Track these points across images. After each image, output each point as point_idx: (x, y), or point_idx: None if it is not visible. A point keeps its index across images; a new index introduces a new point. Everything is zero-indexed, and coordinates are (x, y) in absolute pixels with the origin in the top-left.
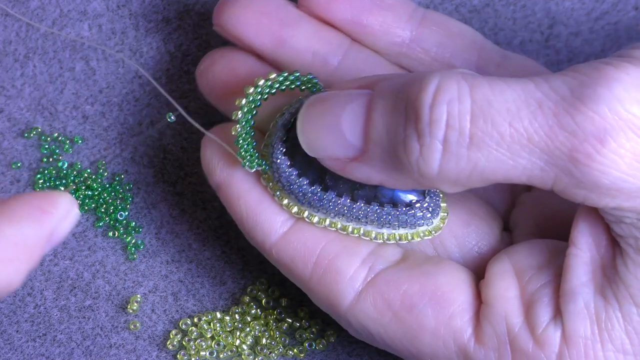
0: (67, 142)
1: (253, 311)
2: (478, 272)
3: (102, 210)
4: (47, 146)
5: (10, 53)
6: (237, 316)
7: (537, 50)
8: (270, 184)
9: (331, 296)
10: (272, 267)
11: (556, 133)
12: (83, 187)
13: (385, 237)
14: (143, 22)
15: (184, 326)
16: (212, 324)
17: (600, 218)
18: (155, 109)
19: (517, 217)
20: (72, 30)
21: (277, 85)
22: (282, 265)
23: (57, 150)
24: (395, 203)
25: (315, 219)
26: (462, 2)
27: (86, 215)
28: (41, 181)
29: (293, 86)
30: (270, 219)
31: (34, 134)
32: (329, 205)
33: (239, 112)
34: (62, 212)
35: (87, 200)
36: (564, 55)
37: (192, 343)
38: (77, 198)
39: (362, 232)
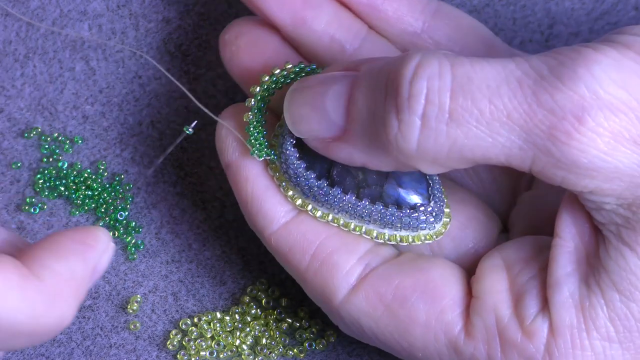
0: (67, 142)
1: (253, 311)
2: (471, 271)
3: (102, 210)
4: (47, 146)
5: (10, 53)
6: (237, 316)
7: (537, 51)
8: (277, 174)
9: (325, 289)
10: (272, 267)
11: (535, 111)
12: (83, 187)
13: (387, 238)
14: (143, 22)
15: (184, 326)
16: (212, 324)
17: (583, 208)
18: (155, 109)
19: (515, 217)
20: (72, 30)
21: (292, 76)
22: (279, 254)
23: (57, 150)
24: (399, 205)
25: (319, 213)
26: (462, 2)
27: (86, 216)
28: (41, 181)
29: None
30: (274, 208)
31: (34, 134)
32: (334, 201)
33: (252, 100)
34: (102, 246)
35: (87, 200)
36: None
37: (192, 343)
38: (77, 198)
39: (364, 230)
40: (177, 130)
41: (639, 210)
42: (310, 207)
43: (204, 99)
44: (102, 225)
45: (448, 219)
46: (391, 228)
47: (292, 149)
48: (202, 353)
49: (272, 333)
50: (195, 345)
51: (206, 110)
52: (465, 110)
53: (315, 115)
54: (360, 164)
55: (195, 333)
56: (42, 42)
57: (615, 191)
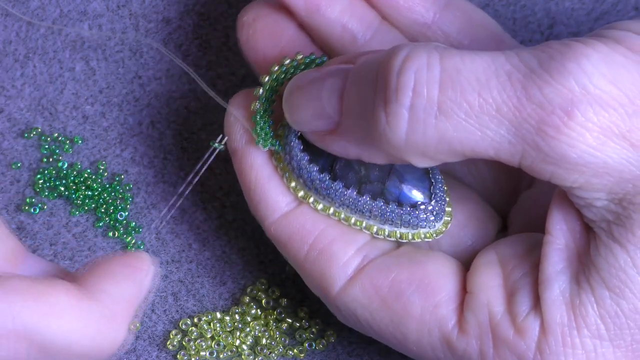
0: (67, 142)
1: (253, 311)
2: (469, 268)
3: (102, 210)
4: (47, 146)
5: (10, 53)
6: (237, 316)
7: None
8: (281, 164)
9: (323, 279)
10: (272, 267)
11: (524, 105)
12: (83, 187)
13: (387, 234)
14: (143, 22)
15: (184, 326)
16: (212, 324)
17: (573, 205)
18: (155, 109)
19: (514, 215)
20: (73, 30)
21: (302, 67)
22: (279, 242)
23: (57, 151)
24: (400, 202)
25: (320, 206)
26: None
27: (86, 216)
28: (41, 181)
29: None
30: (276, 198)
31: (34, 134)
32: (335, 195)
33: (261, 89)
34: (147, 268)
35: (87, 200)
36: None
37: (192, 343)
38: (77, 198)
39: (364, 225)
40: (178, 130)
41: (629, 206)
42: (312, 199)
43: (204, 99)
44: (101, 225)
45: (449, 218)
46: (391, 225)
47: (297, 141)
48: (202, 353)
49: (272, 333)
50: (195, 346)
51: (215, 96)
52: (454, 103)
53: (311, 109)
54: (355, 156)
55: (195, 333)
56: (42, 42)
57: (605, 186)
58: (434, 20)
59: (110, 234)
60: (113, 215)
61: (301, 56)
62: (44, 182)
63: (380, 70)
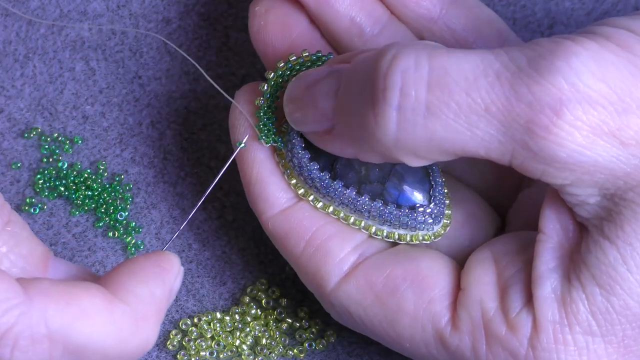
0: (67, 142)
1: (253, 311)
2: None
3: (102, 210)
4: (47, 146)
5: (10, 53)
6: (237, 316)
7: None
8: (283, 161)
9: (318, 276)
10: (272, 267)
11: (513, 104)
12: (83, 188)
13: (385, 235)
14: (143, 22)
15: (184, 326)
16: (212, 324)
17: (566, 204)
18: (155, 109)
19: (513, 214)
20: (72, 30)
21: (308, 64)
22: (275, 238)
23: (57, 151)
24: (399, 204)
25: (320, 204)
26: None
27: (86, 216)
28: (41, 181)
29: None
30: (276, 194)
31: (34, 134)
32: (335, 194)
33: (265, 85)
34: (176, 270)
35: (87, 201)
36: None
37: (192, 343)
38: (77, 198)
39: (362, 225)
40: (177, 130)
41: (620, 202)
42: (311, 197)
43: (204, 99)
44: (101, 225)
45: (448, 221)
46: (389, 226)
47: (299, 139)
48: (202, 353)
49: (272, 333)
50: (195, 346)
51: (220, 90)
52: (443, 103)
53: (308, 109)
54: (351, 156)
55: (195, 333)
56: (42, 42)
57: (596, 183)
58: (440, 15)
59: (110, 234)
60: (113, 215)
61: (307, 53)
62: (44, 182)
63: (369, 71)
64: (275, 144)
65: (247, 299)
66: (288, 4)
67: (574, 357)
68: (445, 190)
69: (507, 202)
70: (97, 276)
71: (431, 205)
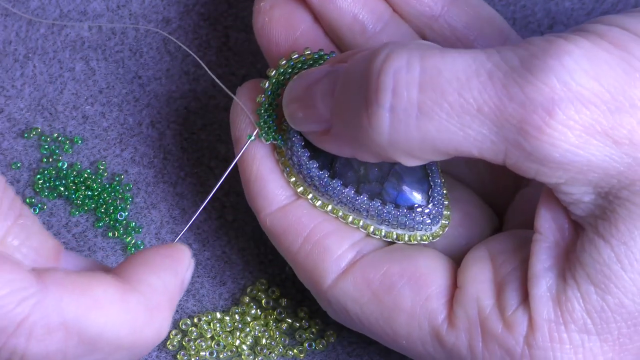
0: (67, 142)
1: (253, 311)
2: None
3: (102, 210)
4: (47, 146)
5: (10, 53)
6: (237, 316)
7: None
8: (282, 159)
9: (315, 273)
10: (272, 267)
11: (505, 104)
12: (83, 188)
13: (383, 234)
14: (143, 22)
15: (184, 326)
16: (212, 324)
17: (561, 204)
18: (155, 109)
19: (510, 213)
20: (72, 30)
21: (310, 62)
22: (273, 235)
23: (57, 151)
24: (398, 204)
25: (319, 203)
26: None
27: (86, 216)
28: (41, 181)
29: None
30: (275, 191)
31: (34, 134)
32: (333, 193)
33: (267, 82)
34: (188, 261)
35: (87, 201)
36: None
37: (192, 343)
38: (77, 198)
39: (361, 224)
40: (177, 130)
41: (615, 200)
42: (310, 195)
43: (204, 99)
44: (101, 225)
45: (446, 222)
46: (388, 225)
47: (298, 137)
48: (202, 353)
49: (272, 333)
50: (195, 346)
51: (223, 86)
52: (435, 103)
53: (306, 109)
54: (349, 156)
55: (195, 333)
56: (42, 42)
57: (590, 182)
58: (441, 13)
59: (110, 234)
60: (113, 215)
61: (309, 51)
62: (44, 182)
63: (362, 72)
64: (276, 142)
65: (247, 299)
66: (292, 1)
67: (569, 355)
68: (444, 191)
69: (504, 201)
70: (109, 268)
71: (429, 206)
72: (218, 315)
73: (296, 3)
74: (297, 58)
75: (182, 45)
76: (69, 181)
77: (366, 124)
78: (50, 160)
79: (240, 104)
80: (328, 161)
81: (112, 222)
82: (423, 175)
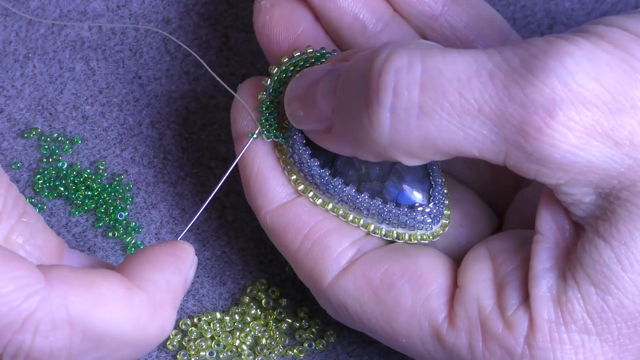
0: (67, 142)
1: (253, 311)
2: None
3: (102, 210)
4: (47, 146)
5: (10, 53)
6: (237, 316)
7: None
8: (283, 156)
9: (315, 271)
10: (272, 267)
11: (506, 105)
12: (83, 188)
13: (383, 233)
14: (143, 22)
15: (183, 326)
16: (212, 324)
17: (561, 205)
18: (155, 109)
19: (510, 213)
20: (72, 30)
21: (312, 60)
22: (273, 233)
23: (57, 151)
24: (398, 203)
25: (319, 201)
26: None
27: (86, 216)
28: (41, 181)
29: None
30: (276, 189)
31: (33, 134)
32: (334, 191)
33: (269, 80)
34: (191, 259)
35: (87, 201)
36: None
37: (192, 343)
38: (77, 198)
39: (361, 223)
40: (177, 130)
41: (615, 201)
42: (311, 194)
43: (204, 99)
44: (101, 226)
45: (447, 221)
46: (388, 224)
47: (300, 135)
48: (202, 353)
49: (272, 333)
50: (195, 346)
51: (223, 84)
52: (436, 103)
53: (307, 107)
54: (350, 155)
55: (195, 333)
56: (42, 42)
57: (591, 183)
58: (441, 13)
59: (110, 234)
60: (113, 215)
61: (311, 49)
62: (44, 182)
63: (363, 71)
64: (277, 140)
65: (247, 299)
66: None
67: (569, 355)
68: (445, 191)
69: (505, 201)
70: (112, 266)
71: (430, 205)
72: (218, 315)
73: (297, 2)
74: (299, 56)
75: (182, 44)
76: (69, 181)
77: (367, 123)
78: (50, 160)
79: (241, 101)
80: (329, 159)
81: (112, 222)
82: (424, 175)
